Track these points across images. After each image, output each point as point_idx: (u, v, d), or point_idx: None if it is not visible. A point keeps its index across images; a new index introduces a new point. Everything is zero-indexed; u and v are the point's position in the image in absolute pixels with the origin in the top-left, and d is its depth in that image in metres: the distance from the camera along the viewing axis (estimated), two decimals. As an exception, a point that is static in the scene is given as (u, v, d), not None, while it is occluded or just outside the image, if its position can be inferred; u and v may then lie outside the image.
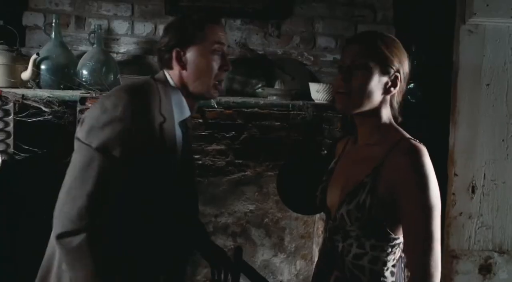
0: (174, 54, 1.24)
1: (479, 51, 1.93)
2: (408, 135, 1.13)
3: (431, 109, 2.04)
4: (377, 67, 1.11)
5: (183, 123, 1.26)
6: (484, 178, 1.98)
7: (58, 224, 1.09)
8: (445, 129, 2.02)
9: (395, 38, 1.16)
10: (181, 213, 1.30)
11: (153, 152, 1.15)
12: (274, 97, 2.05)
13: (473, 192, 1.95)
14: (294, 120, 2.13)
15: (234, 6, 2.21)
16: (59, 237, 1.08)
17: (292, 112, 2.08)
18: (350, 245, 1.13)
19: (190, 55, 1.24)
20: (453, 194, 1.97)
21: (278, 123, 2.34)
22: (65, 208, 1.09)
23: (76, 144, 1.13)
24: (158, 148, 1.16)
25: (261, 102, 2.02)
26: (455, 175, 1.95)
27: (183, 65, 1.24)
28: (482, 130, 1.97)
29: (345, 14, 2.31)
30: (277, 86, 2.08)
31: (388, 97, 1.14)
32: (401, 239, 1.12)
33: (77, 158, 1.12)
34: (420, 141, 1.10)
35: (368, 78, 1.10)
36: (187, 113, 1.27)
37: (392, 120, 1.17)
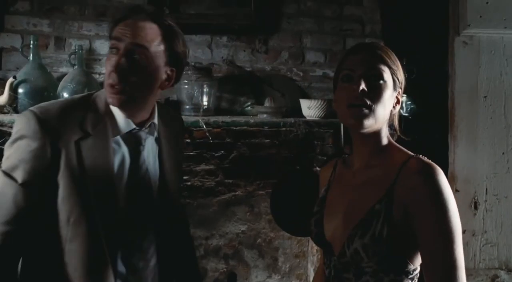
0: None
1: (475, 62, 1.91)
2: (412, 153, 1.02)
3: (427, 124, 2.00)
4: (390, 79, 1.02)
5: (128, 138, 1.14)
6: (486, 193, 1.94)
7: None
8: (443, 143, 1.99)
9: None
10: (123, 234, 1.12)
11: (65, 170, 1.04)
12: (265, 115, 2.00)
13: (475, 208, 1.91)
14: (286, 137, 2.09)
15: (220, 23, 2.17)
16: None
17: (284, 129, 2.03)
18: None
19: None
20: (456, 210, 1.93)
21: (268, 140, 2.30)
22: None
23: None
24: (72, 166, 1.04)
25: (252, 121, 1.96)
26: (457, 191, 1.91)
27: None
28: (481, 144, 1.94)
29: (333, 28, 2.30)
30: (267, 103, 2.02)
31: (389, 115, 1.05)
32: (418, 269, 1.01)
33: None
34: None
35: (384, 90, 1.00)
36: (127, 127, 1.13)
37: (391, 139, 1.07)
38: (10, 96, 1.81)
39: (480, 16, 1.83)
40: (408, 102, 2.04)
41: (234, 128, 2.01)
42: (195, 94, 2.03)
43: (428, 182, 0.93)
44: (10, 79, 1.81)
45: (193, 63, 2.17)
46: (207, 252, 2.34)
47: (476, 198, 1.92)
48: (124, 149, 1.14)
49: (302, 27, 2.28)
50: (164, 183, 1.22)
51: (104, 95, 1.12)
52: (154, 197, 1.20)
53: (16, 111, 1.86)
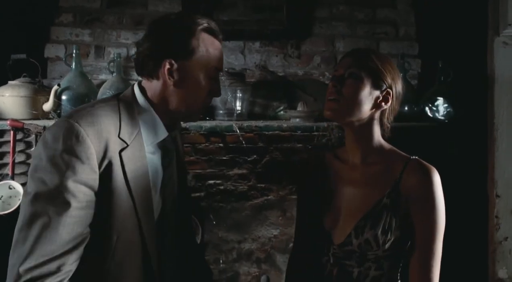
0: (165, 65, 1.05)
1: (516, 63, 1.84)
2: (409, 156, 1.14)
3: (465, 127, 1.94)
4: (369, 79, 1.11)
5: (160, 145, 1.11)
6: (529, 199, 1.86)
7: None
8: (482, 147, 1.92)
9: (389, 57, 1.20)
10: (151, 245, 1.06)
11: (109, 184, 0.99)
12: (297, 120, 2.00)
13: (518, 214, 1.84)
14: (319, 142, 2.07)
15: (253, 29, 2.20)
16: None
17: (316, 134, 2.02)
18: (368, 269, 1.11)
19: (185, 69, 1.06)
20: (496, 217, 1.86)
21: (301, 145, 2.29)
22: None
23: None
24: (118, 177, 1.00)
25: (285, 125, 1.97)
26: (497, 196, 1.84)
27: (174, 80, 1.06)
28: (523, 147, 1.86)
29: (366, 32, 2.28)
30: (299, 108, 2.03)
31: (378, 113, 1.14)
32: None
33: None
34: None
35: (358, 87, 1.10)
36: (162, 134, 1.09)
37: (386, 142, 1.17)
38: (54, 103, 1.91)
39: (522, 16, 1.77)
40: (445, 106, 1.98)
41: (267, 133, 2.02)
42: (228, 99, 2.06)
43: (428, 182, 1.07)
44: (55, 87, 1.91)
45: (226, 69, 2.21)
46: (240, 256, 2.34)
47: (518, 203, 1.85)
48: (156, 157, 1.11)
49: (334, 31, 2.27)
50: (182, 184, 1.22)
51: (130, 102, 1.08)
52: (178, 198, 1.19)
53: (59, 117, 1.95)
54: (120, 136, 1.02)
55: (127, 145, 1.02)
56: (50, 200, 0.93)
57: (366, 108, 1.11)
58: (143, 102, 1.08)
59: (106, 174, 0.98)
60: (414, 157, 1.13)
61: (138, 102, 1.08)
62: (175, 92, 1.07)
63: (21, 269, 0.91)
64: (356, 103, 1.10)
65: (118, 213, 1.01)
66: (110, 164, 0.99)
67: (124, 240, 1.02)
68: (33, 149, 1.88)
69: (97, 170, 0.97)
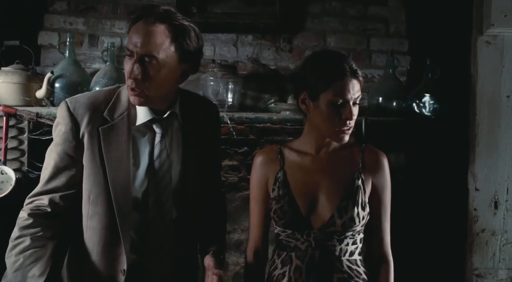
0: (183, 67, 1.22)
1: (498, 62, 1.88)
2: (355, 142, 1.35)
3: (450, 123, 2.00)
4: None
5: (149, 126, 1.22)
6: (507, 193, 1.91)
7: None
8: (465, 142, 1.97)
9: None
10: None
11: (87, 152, 1.18)
12: (287, 113, 2.03)
13: (496, 207, 1.90)
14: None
15: (246, 22, 2.22)
16: None
17: (306, 127, 2.06)
18: (346, 245, 1.24)
19: (188, 71, 1.25)
20: (475, 209, 1.92)
21: (291, 138, 2.32)
22: None
23: None
24: (93, 149, 1.18)
25: (275, 117, 2.00)
26: (476, 189, 1.90)
27: (178, 78, 1.24)
28: (503, 143, 1.92)
29: (357, 27, 2.31)
30: (290, 101, 2.06)
31: None
32: None
33: None
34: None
35: None
36: (146, 116, 1.21)
37: None
38: (47, 90, 1.92)
39: (505, 15, 1.79)
40: (431, 102, 2.04)
41: (258, 125, 2.05)
42: (220, 91, 2.09)
43: (383, 162, 1.29)
44: (48, 74, 1.92)
45: (219, 61, 2.23)
46: (229, 246, 2.36)
47: (496, 197, 1.90)
48: (145, 136, 1.23)
49: (326, 26, 2.30)
50: (186, 169, 1.28)
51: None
52: (175, 182, 1.26)
53: (52, 104, 1.97)
54: (104, 114, 1.20)
55: (111, 123, 1.19)
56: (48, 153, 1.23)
57: None
58: None
59: (83, 143, 1.18)
60: (364, 144, 1.32)
61: None
62: (168, 84, 1.20)
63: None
64: None
65: (92, 176, 1.19)
66: (85, 135, 1.18)
67: (94, 203, 1.19)
68: (25, 135, 1.90)
69: (75, 139, 1.18)
